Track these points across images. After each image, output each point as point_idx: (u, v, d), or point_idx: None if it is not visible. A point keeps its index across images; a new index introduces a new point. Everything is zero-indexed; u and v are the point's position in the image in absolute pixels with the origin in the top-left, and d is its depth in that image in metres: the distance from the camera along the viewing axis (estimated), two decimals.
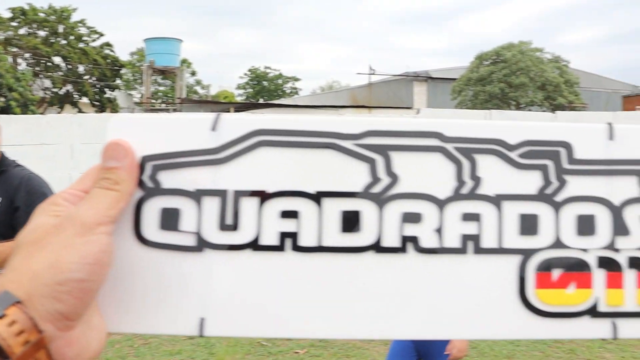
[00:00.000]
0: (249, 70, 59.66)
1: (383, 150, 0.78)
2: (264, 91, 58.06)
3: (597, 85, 36.89)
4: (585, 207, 0.79)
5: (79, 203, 0.67)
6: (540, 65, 28.30)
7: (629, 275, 0.80)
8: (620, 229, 0.79)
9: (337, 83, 60.38)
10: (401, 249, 0.76)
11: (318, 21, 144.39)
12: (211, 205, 0.75)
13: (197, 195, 0.74)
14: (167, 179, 0.74)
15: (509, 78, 27.94)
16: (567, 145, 0.81)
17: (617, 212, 0.79)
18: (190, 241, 0.73)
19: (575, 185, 0.79)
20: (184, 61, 48.68)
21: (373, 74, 37.27)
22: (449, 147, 0.79)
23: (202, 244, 0.74)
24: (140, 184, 0.73)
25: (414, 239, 0.76)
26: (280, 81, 59.42)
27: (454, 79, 31.19)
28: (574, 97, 28.85)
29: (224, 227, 0.74)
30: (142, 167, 0.73)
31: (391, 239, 0.76)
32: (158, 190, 0.73)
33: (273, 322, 0.75)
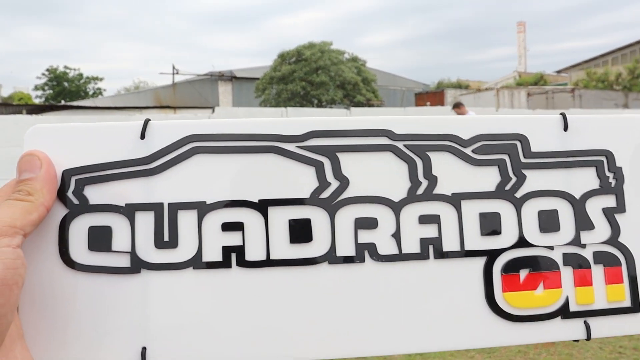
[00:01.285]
0: (47, 70, 56.18)
1: (329, 152, 0.73)
2: (65, 92, 54.98)
3: (392, 84, 39.38)
4: (547, 202, 0.76)
5: None
6: (339, 64, 29.33)
7: (597, 271, 0.78)
8: (584, 223, 0.77)
9: (145, 83, 58.74)
10: (358, 258, 0.71)
11: (126, 20, 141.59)
12: (145, 221, 0.69)
13: (129, 211, 0.69)
14: (95, 194, 0.68)
15: (310, 77, 28.69)
16: (522, 138, 0.78)
17: (579, 206, 0.77)
18: (124, 262, 0.68)
19: (535, 180, 0.76)
20: None
21: (177, 73, 36.73)
22: (400, 145, 0.75)
23: (137, 265, 0.68)
24: (65, 201, 0.67)
25: (370, 247, 0.72)
26: (82, 81, 56.62)
27: (259, 78, 31.49)
28: (372, 95, 30.23)
29: (160, 244, 0.69)
30: (65, 182, 0.67)
31: (346, 248, 0.71)
32: (85, 207, 0.68)
33: (223, 346, 0.69)
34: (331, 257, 0.72)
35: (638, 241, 0.78)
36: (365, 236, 0.73)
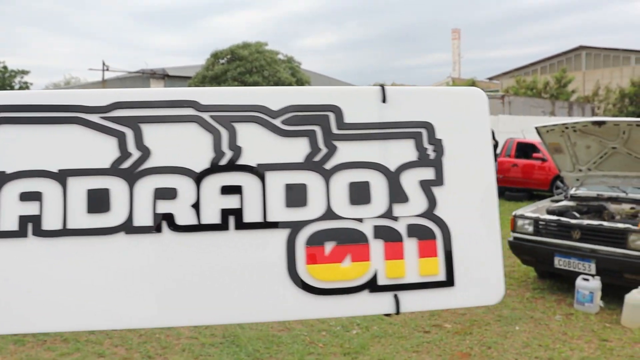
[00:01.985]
0: None
1: (133, 122, 0.69)
2: None
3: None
4: (359, 174, 0.73)
5: None
6: (274, 65, 29.21)
7: (409, 244, 0.70)
8: (398, 195, 0.73)
9: (77, 80, 57.02)
10: (155, 228, 0.70)
11: (60, 14, 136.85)
12: None
13: None
14: None
15: (243, 77, 28.46)
16: (336, 110, 0.70)
17: (393, 178, 0.72)
18: None
19: (347, 152, 0.72)
20: None
21: (107, 70, 35.90)
22: (206, 116, 0.70)
23: None
24: None
25: (168, 217, 0.68)
26: (7, 75, 54.66)
27: (191, 77, 31.08)
28: None
29: None
30: None
31: (143, 218, 0.69)
32: None
33: (16, 318, 0.68)
34: (128, 227, 0.68)
35: (455, 215, 0.80)
36: (164, 206, 0.68)
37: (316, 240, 0.74)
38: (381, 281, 0.75)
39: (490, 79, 57.05)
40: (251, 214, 0.74)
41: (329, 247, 0.74)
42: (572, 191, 8.07)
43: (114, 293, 0.67)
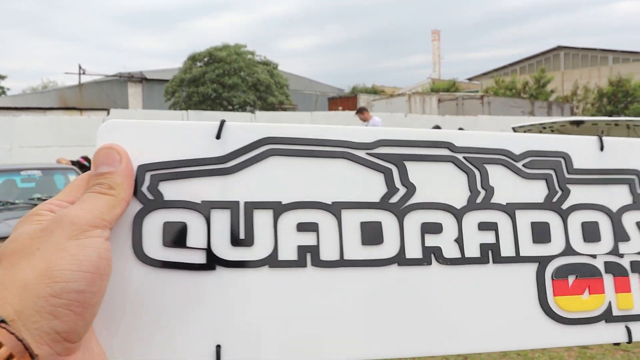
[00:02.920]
0: None
1: (397, 159, 0.76)
2: None
3: (308, 88, 39.68)
4: (589, 215, 0.82)
5: (68, 207, 0.59)
6: (252, 67, 29.15)
7: (634, 279, 0.83)
8: (621, 234, 0.83)
9: (54, 83, 56.62)
10: (425, 261, 0.74)
11: (39, 17, 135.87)
12: (221, 218, 0.69)
13: (205, 208, 0.69)
14: (170, 190, 0.68)
15: (222, 79, 28.33)
16: (565, 156, 0.83)
17: (616, 219, 0.83)
18: (200, 258, 0.68)
19: (577, 194, 0.82)
20: None
21: (83, 73, 35.56)
22: (460, 157, 0.79)
23: (213, 261, 0.68)
24: (138, 196, 0.67)
25: (436, 250, 0.75)
26: None
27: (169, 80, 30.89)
28: (284, 98, 30.22)
29: (237, 242, 0.69)
30: (139, 178, 0.67)
31: (414, 251, 0.74)
32: (160, 203, 0.67)
33: (306, 345, 0.69)
34: (401, 259, 0.74)
35: None
36: (431, 240, 0.76)
37: (560, 273, 0.80)
38: (615, 312, 0.81)
39: (470, 79, 57.18)
40: (506, 249, 0.78)
41: (570, 280, 0.79)
42: None
43: (389, 322, 0.72)
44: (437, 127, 15.18)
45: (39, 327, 0.50)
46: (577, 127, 7.02)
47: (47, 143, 14.04)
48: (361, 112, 11.94)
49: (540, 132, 7.27)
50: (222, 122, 0.72)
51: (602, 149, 0.85)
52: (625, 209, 0.84)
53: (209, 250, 0.68)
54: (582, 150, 0.85)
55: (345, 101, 32.82)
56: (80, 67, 35.70)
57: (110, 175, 0.62)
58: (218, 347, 0.66)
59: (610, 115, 28.82)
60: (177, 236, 0.67)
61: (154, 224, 0.67)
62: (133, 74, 35.76)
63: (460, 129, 15.45)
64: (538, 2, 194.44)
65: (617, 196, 0.84)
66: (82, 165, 10.33)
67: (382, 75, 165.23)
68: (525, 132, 7.53)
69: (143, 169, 0.67)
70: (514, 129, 7.69)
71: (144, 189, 0.67)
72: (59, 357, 0.51)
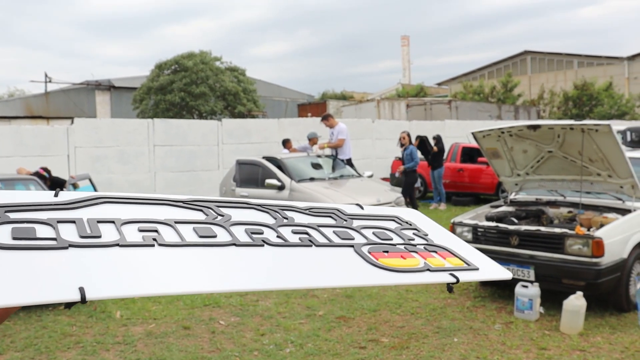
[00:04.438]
0: None
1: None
2: None
3: (277, 95, 39.27)
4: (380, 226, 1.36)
5: None
6: (219, 74, 29.01)
7: (426, 254, 1.22)
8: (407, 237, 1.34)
9: (22, 92, 55.94)
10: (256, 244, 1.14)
11: (6, 24, 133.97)
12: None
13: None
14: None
15: (189, 87, 28.20)
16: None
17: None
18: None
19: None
20: None
21: (49, 81, 35.17)
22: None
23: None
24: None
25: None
26: None
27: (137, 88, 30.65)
28: (252, 105, 30.08)
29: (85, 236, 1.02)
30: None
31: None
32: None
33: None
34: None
35: None
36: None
37: (375, 249, 1.14)
38: (432, 268, 1.13)
39: (439, 84, 57.61)
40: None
41: (385, 253, 1.11)
42: (512, 196, 8.04)
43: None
44: (421, 137, 15.19)
45: None
46: (534, 131, 7.01)
47: (8, 153, 13.80)
48: (327, 118, 12.05)
49: (499, 136, 7.26)
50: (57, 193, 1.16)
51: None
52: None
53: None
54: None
55: (314, 107, 32.83)
56: (46, 75, 35.59)
57: None
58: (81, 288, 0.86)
59: (574, 119, 28.99)
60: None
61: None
62: (101, 82, 35.61)
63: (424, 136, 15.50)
64: (506, 7, 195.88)
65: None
66: (42, 176, 10.17)
67: (353, 80, 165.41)
68: (484, 137, 7.52)
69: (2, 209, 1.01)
70: (474, 135, 7.65)
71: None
72: None
